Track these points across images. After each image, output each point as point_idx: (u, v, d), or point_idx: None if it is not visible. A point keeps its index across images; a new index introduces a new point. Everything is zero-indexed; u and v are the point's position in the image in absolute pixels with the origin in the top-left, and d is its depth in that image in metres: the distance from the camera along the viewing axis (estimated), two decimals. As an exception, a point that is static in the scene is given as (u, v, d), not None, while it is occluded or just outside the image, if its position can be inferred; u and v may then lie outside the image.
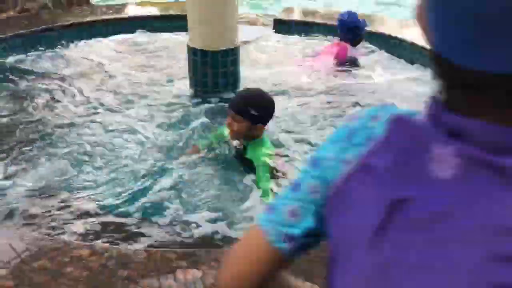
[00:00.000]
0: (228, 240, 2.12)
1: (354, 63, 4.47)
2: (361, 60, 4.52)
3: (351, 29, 4.44)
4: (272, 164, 2.52)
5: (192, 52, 3.56)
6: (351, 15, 4.46)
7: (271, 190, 2.44)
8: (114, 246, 1.83)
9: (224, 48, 3.51)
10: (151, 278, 1.66)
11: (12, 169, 2.66)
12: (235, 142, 2.67)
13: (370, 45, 4.81)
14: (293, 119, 3.42)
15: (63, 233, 2.08)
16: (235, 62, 3.65)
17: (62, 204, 2.34)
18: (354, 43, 4.51)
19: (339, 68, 4.34)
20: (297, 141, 3.10)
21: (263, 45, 5.06)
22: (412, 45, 4.64)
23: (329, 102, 3.69)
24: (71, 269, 1.67)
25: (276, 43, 5.18)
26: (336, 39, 4.63)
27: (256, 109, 2.47)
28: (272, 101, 2.60)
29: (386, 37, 4.93)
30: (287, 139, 3.10)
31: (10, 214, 2.23)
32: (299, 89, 3.93)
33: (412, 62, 4.50)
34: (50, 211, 2.28)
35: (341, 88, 3.93)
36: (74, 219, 2.24)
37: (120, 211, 2.32)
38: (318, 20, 5.55)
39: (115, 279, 1.63)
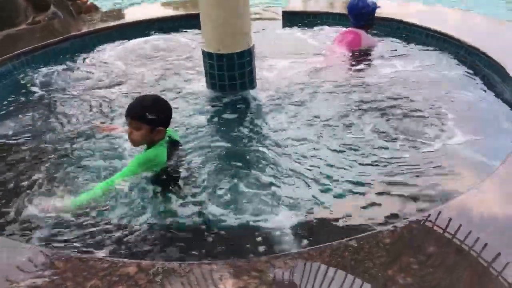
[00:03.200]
0: (265, 249, 2.21)
1: (367, 52, 4.50)
2: (375, 49, 4.56)
3: (360, 14, 4.48)
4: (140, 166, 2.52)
5: (208, 56, 3.62)
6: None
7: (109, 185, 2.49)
8: (159, 261, 1.91)
9: (239, 50, 3.57)
10: (197, 291, 1.75)
11: (43, 188, 2.76)
12: (137, 149, 2.71)
13: (381, 32, 4.83)
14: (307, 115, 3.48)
15: (106, 252, 2.18)
16: (250, 62, 3.70)
17: (97, 221, 2.42)
18: (366, 28, 4.54)
19: (353, 60, 4.38)
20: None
21: (274, 39, 5.10)
22: (425, 29, 4.66)
23: (347, 98, 3.73)
24: (122, 287, 1.76)
25: (287, 36, 5.21)
26: (349, 28, 4.66)
27: (153, 112, 2.49)
28: (168, 103, 2.63)
29: (397, 23, 4.94)
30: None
31: (51, 237, 2.32)
32: (313, 85, 3.96)
33: (426, 47, 4.52)
34: (87, 229, 2.37)
35: (354, 83, 3.95)
36: (112, 236, 2.33)
37: (149, 223, 2.41)
38: (327, 9, 5.55)
39: (165, 295, 1.72)
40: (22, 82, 4.34)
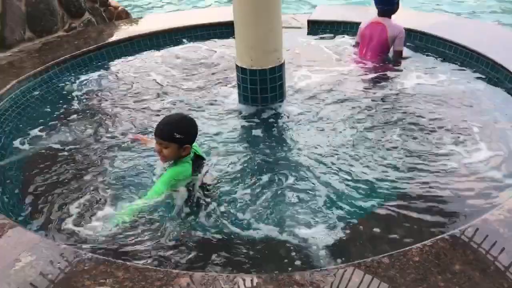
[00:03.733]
0: (300, 263, 2.40)
1: (392, 63, 4.65)
2: (401, 61, 4.70)
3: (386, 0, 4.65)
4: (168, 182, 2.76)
5: (241, 71, 3.81)
6: None
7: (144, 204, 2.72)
8: (209, 273, 2.11)
9: (272, 66, 3.75)
10: (244, 301, 1.95)
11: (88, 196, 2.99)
12: (166, 164, 2.92)
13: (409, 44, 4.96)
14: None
15: (158, 262, 2.40)
16: (281, 77, 3.88)
17: (136, 235, 2.61)
18: (390, 14, 4.69)
19: (378, 71, 4.53)
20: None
21: (300, 48, 5.25)
22: (451, 42, 4.77)
23: (370, 111, 3.90)
24: (177, 296, 1.97)
25: (312, 45, 5.36)
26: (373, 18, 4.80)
27: (181, 132, 2.71)
28: (192, 121, 2.83)
29: (422, 35, 5.06)
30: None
31: (103, 245, 2.55)
32: (338, 96, 4.14)
33: (453, 61, 4.65)
34: (127, 242, 2.58)
35: (378, 95, 4.12)
36: (151, 248, 2.53)
37: (183, 236, 2.61)
38: (352, 18, 5.67)
39: (216, 305, 1.92)
40: (61, 90, 4.58)
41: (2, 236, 2.39)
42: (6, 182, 3.22)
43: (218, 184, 3.01)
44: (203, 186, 2.90)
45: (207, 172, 3.00)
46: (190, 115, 2.92)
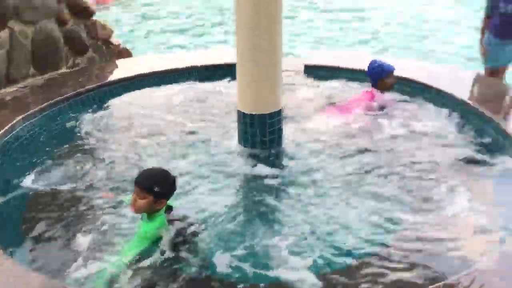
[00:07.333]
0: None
1: (381, 112, 4.77)
2: (389, 109, 4.81)
3: (376, 74, 4.81)
4: (147, 238, 2.85)
5: (242, 115, 3.96)
6: (376, 61, 4.86)
7: (124, 260, 2.78)
8: None
9: (271, 112, 3.90)
10: None
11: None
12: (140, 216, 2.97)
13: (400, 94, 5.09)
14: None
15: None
16: (279, 121, 4.04)
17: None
18: (382, 88, 4.85)
19: (365, 120, 4.65)
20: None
21: (295, 93, 5.39)
22: (440, 92, 4.95)
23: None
24: None
25: (307, 90, 5.49)
26: (366, 87, 4.98)
27: (160, 186, 2.80)
28: (173, 179, 2.91)
29: (415, 84, 5.23)
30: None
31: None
32: (329, 145, 4.24)
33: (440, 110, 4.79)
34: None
35: (365, 144, 4.23)
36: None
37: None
38: (346, 65, 5.83)
39: None
40: (64, 127, 4.64)
41: (4, 275, 2.44)
42: (7, 219, 3.28)
43: (205, 227, 3.10)
44: (181, 233, 2.92)
45: (179, 220, 3.00)
46: (170, 170, 3.01)
